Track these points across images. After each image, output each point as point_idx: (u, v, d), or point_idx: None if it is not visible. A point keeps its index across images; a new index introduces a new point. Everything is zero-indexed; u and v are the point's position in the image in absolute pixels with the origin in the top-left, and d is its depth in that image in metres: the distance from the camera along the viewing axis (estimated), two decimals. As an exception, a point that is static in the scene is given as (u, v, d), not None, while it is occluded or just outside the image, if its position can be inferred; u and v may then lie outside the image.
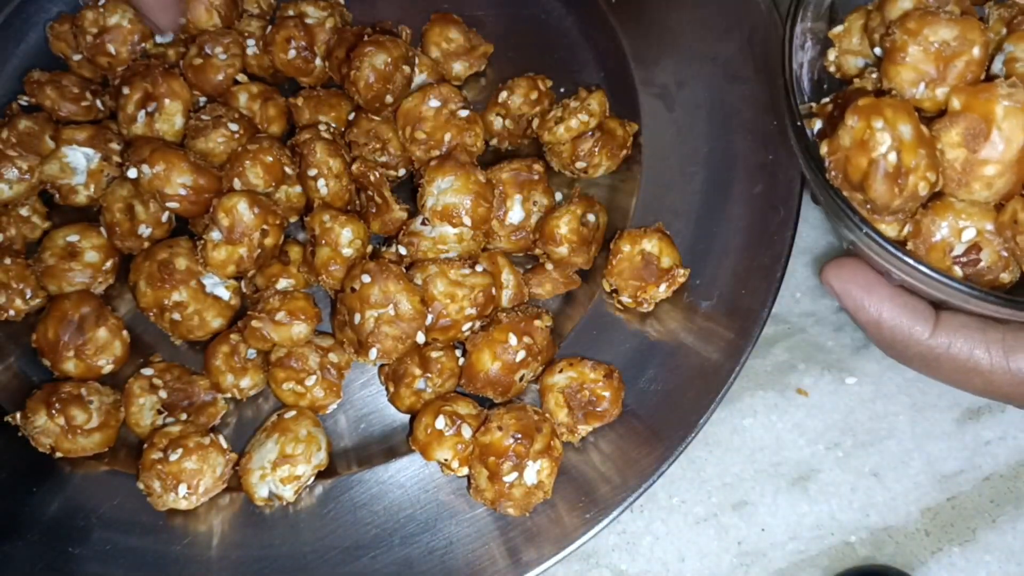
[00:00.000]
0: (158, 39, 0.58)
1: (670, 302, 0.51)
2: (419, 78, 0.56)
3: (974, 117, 0.34)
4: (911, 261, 0.35)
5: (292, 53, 0.56)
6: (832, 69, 0.44)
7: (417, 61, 0.56)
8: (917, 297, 0.39)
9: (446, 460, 0.48)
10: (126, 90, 0.55)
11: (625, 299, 0.51)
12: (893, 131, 0.34)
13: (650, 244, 0.50)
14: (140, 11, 0.56)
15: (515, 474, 0.46)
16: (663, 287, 0.50)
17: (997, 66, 0.38)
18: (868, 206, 0.36)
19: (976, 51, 0.36)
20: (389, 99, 0.53)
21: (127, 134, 0.55)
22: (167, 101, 0.55)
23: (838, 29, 0.42)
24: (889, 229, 0.37)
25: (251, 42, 0.58)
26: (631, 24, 0.59)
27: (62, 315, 0.51)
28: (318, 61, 0.57)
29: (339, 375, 0.52)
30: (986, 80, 0.37)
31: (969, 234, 0.36)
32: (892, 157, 0.34)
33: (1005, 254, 0.36)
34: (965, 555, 0.53)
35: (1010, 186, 0.35)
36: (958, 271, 0.37)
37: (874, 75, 0.41)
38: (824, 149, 0.37)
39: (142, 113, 0.54)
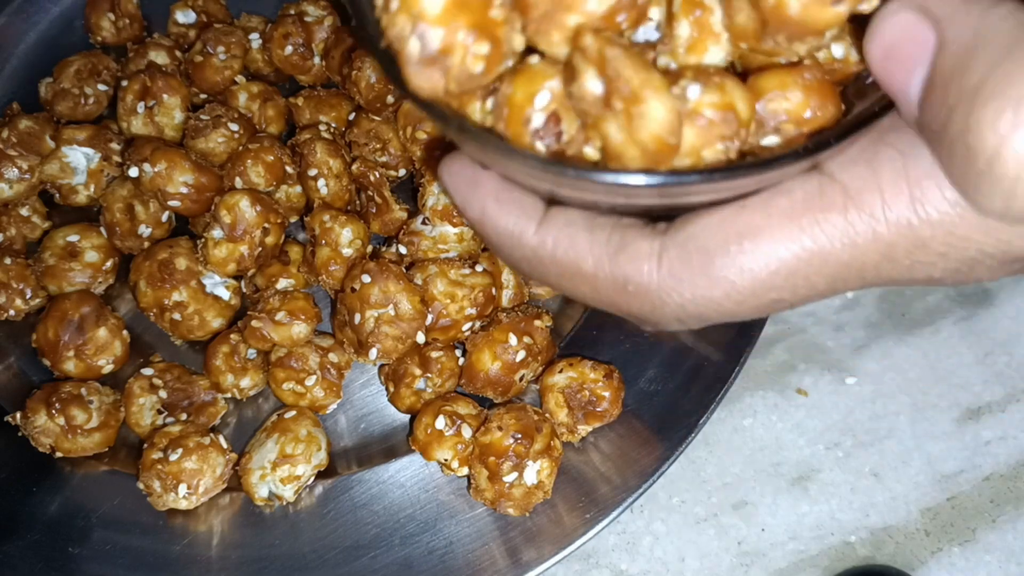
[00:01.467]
0: (179, 18, 0.59)
1: (670, 302, 0.51)
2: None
3: None
4: (457, 123, 0.28)
5: (289, 49, 0.56)
6: None
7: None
8: (526, 191, 0.33)
9: (446, 460, 0.48)
10: (125, 83, 0.55)
11: (625, 299, 0.51)
12: None
13: (650, 244, 0.50)
14: None
15: (515, 474, 0.46)
16: (663, 287, 0.50)
17: None
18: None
19: None
20: (390, 99, 0.53)
21: (127, 128, 0.55)
22: (165, 96, 0.55)
23: None
24: (477, 112, 0.30)
25: (255, 36, 0.58)
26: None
27: (62, 315, 0.51)
28: (316, 59, 0.57)
29: (339, 375, 0.51)
30: None
31: (544, 99, 0.29)
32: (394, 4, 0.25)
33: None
34: (965, 555, 0.53)
35: None
36: (541, 149, 0.29)
37: None
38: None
39: (141, 105, 0.55)
